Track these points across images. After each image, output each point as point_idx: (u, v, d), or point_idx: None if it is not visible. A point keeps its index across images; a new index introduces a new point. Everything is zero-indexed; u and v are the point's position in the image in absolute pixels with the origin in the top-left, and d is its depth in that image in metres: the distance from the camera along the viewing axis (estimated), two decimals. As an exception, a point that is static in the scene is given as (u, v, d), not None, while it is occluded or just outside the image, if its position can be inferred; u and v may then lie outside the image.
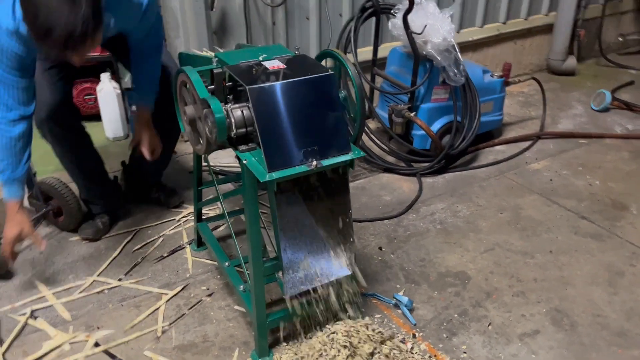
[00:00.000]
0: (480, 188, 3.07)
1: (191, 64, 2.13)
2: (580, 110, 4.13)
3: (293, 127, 1.65)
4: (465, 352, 1.98)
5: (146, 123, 2.33)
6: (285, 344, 1.99)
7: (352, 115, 1.99)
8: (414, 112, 3.09)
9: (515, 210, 2.86)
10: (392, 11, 3.05)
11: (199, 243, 2.50)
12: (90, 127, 2.51)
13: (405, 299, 2.16)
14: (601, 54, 5.07)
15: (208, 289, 2.28)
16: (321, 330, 1.98)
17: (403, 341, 2.01)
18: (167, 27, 3.07)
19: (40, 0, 1.53)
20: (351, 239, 1.87)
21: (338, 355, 1.84)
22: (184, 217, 2.75)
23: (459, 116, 3.20)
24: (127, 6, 1.98)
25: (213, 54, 2.19)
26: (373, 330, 1.97)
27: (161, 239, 2.58)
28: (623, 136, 3.69)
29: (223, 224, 2.67)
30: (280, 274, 1.89)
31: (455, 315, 2.16)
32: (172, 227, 2.67)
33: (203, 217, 2.45)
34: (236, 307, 2.18)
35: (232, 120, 1.65)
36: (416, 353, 1.97)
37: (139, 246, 2.53)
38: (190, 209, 2.81)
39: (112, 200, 2.67)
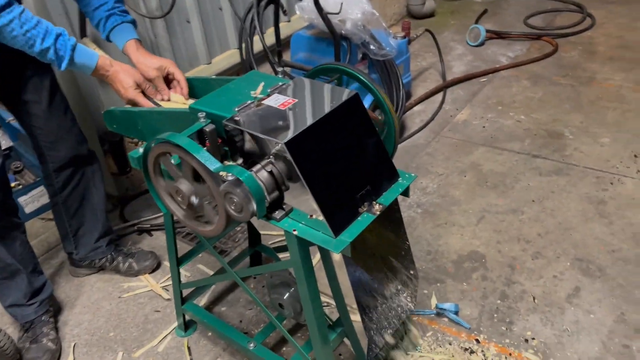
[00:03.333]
0: (429, 156, 2.96)
1: (132, 122, 1.63)
2: (462, 50, 4.22)
3: (341, 171, 1.31)
4: (534, 338, 1.88)
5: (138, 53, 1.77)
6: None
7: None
8: (346, 98, 2.83)
9: (475, 168, 2.81)
10: (291, -6, 2.71)
11: (186, 327, 2.03)
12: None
13: (450, 306, 1.98)
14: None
15: (228, 378, 1.86)
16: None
17: (471, 352, 1.84)
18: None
19: None
20: (411, 271, 1.61)
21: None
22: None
23: (383, 89, 3.02)
24: None
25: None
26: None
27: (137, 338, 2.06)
28: (513, 65, 3.84)
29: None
30: (346, 339, 1.58)
31: (498, 301, 2.04)
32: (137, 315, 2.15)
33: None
34: (276, 387, 1.81)
35: (264, 186, 1.26)
36: (490, 359, 1.81)
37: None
38: (144, 283, 2.29)
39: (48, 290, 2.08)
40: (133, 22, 1.82)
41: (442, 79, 3.74)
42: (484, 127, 3.17)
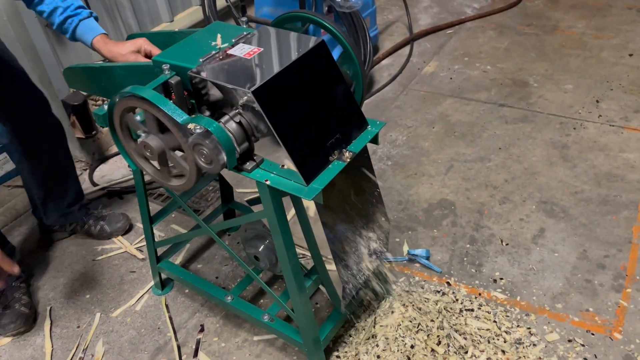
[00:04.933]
0: (398, 109, 2.97)
1: (94, 78, 1.59)
2: (428, 2, 4.19)
3: (311, 120, 1.32)
4: (502, 278, 1.95)
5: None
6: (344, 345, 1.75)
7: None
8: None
9: (443, 119, 2.84)
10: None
11: (162, 285, 2.05)
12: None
13: (421, 251, 2.03)
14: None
15: (207, 331, 1.89)
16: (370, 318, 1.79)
17: (443, 294, 1.91)
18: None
19: None
20: (383, 218, 1.64)
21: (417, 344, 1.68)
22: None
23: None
24: None
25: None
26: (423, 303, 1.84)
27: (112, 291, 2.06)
28: (479, 16, 3.85)
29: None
30: (322, 286, 1.62)
31: (468, 246, 2.10)
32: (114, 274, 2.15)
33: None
34: (256, 337, 1.86)
35: (233, 137, 1.26)
36: (460, 300, 1.88)
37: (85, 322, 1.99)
38: (119, 245, 2.28)
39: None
40: (95, 17, 1.71)
41: (408, 32, 3.72)
42: (451, 78, 3.19)
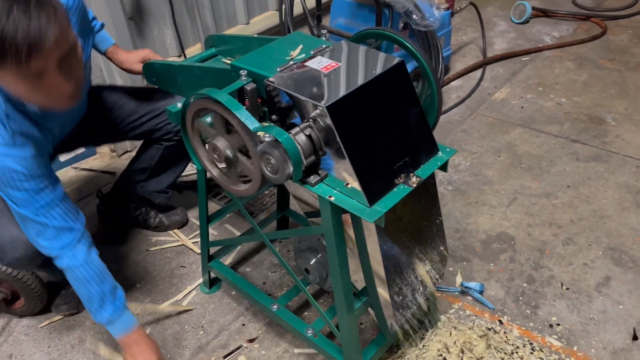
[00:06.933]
0: (463, 133, 2.90)
1: (171, 76, 1.62)
2: (505, 26, 4.08)
3: (380, 140, 1.29)
4: (559, 324, 1.85)
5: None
6: (378, 379, 1.71)
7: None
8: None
9: (510, 149, 2.74)
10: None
11: (210, 284, 2.06)
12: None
13: (475, 285, 1.96)
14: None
15: (251, 339, 1.89)
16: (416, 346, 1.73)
17: (494, 332, 1.83)
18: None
19: None
20: (441, 247, 1.59)
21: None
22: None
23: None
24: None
25: (179, 60, 1.69)
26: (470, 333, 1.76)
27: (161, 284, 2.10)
28: (558, 45, 3.71)
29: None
30: (370, 309, 1.58)
31: (525, 285, 2.01)
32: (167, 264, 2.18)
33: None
34: (297, 350, 1.84)
35: (301, 150, 1.25)
36: (512, 341, 1.80)
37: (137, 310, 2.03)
38: (174, 237, 2.32)
39: None
40: (103, 26, 1.88)
41: (482, 55, 3.64)
42: (522, 107, 3.08)
